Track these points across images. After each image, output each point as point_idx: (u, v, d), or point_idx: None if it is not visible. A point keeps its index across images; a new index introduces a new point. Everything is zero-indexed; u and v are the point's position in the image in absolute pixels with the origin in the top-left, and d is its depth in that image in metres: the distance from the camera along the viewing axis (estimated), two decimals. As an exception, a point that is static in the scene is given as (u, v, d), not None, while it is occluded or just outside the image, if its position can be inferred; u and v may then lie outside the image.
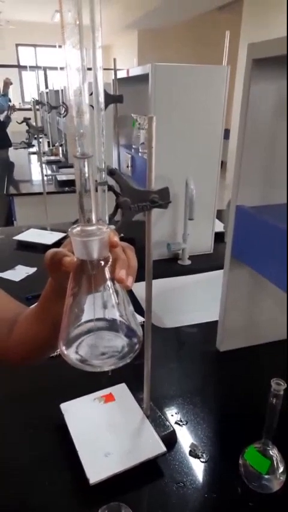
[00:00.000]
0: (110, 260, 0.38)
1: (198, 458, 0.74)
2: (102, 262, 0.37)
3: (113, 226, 0.48)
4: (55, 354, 0.99)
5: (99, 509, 0.58)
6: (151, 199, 0.59)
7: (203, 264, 1.57)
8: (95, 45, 0.48)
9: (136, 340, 0.39)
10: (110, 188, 0.55)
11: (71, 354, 0.38)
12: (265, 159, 0.86)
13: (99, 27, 0.47)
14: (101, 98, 0.55)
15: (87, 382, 0.89)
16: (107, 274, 0.38)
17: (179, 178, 1.43)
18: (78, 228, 0.35)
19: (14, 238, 1.76)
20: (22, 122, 2.86)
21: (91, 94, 0.56)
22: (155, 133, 0.61)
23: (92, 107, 0.56)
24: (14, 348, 0.56)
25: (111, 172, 0.54)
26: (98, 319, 0.39)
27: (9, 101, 4.88)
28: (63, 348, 0.38)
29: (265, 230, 0.80)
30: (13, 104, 4.97)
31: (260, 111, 0.81)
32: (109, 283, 0.38)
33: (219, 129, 1.46)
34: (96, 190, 0.41)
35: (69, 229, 0.36)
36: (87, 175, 0.34)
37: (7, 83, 4.96)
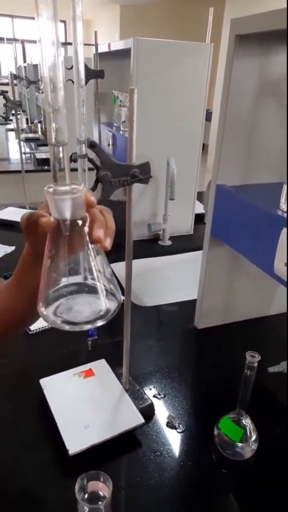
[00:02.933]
0: (88, 221, 0.38)
1: (175, 429, 0.76)
2: (80, 222, 0.37)
3: None
4: (34, 331, 0.99)
5: (79, 477, 0.59)
6: (132, 174, 0.59)
7: (183, 244, 1.58)
8: (75, 17, 0.46)
9: (114, 300, 0.39)
10: (90, 161, 0.54)
11: (50, 314, 0.38)
12: (245, 139, 0.87)
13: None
14: (82, 72, 0.54)
15: (67, 358, 0.90)
16: (85, 235, 0.37)
17: (160, 158, 1.42)
18: (54, 187, 0.35)
19: (-8, 216, 1.72)
20: (-1, 94, 2.76)
21: (71, 68, 0.55)
22: (136, 108, 0.61)
23: (72, 81, 0.55)
24: None
25: (92, 145, 0.53)
26: (75, 281, 0.39)
27: None
28: (42, 308, 0.38)
29: (244, 208, 0.81)
30: None
31: (241, 90, 0.81)
32: (87, 244, 0.38)
33: (201, 109, 1.45)
34: (76, 161, 0.40)
35: (45, 189, 0.35)
36: (61, 154, 0.33)
37: None
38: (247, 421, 0.70)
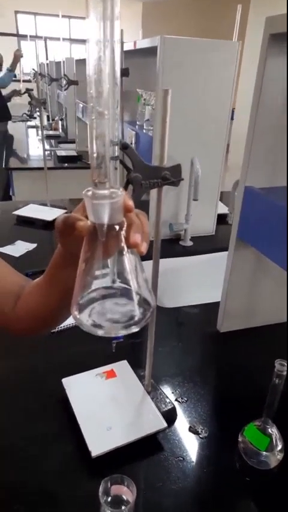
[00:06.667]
0: (125, 225, 0.37)
1: (198, 434, 0.75)
2: (117, 227, 0.36)
3: None
4: (56, 330, 0.99)
5: (102, 480, 0.59)
6: (163, 176, 0.58)
7: (204, 245, 1.56)
8: (113, 17, 0.45)
9: (148, 307, 0.38)
10: (122, 163, 0.54)
11: (83, 318, 0.37)
12: (276, 141, 0.85)
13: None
14: (118, 71, 0.53)
15: (89, 358, 0.90)
16: (121, 240, 0.36)
17: (184, 157, 1.39)
18: (93, 191, 0.34)
19: (14, 213, 1.74)
20: (24, 92, 2.78)
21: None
22: (169, 108, 0.60)
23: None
24: (20, 319, 0.55)
25: (124, 146, 0.52)
26: (110, 286, 0.38)
27: (15, 76, 4.21)
28: (76, 312, 0.37)
29: (272, 211, 0.79)
30: (19, 89, 4.19)
31: (274, 90, 0.79)
32: (123, 248, 0.37)
33: (227, 108, 1.43)
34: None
35: (84, 192, 0.34)
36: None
37: (17, 56, 3.99)
38: (273, 430, 0.68)
